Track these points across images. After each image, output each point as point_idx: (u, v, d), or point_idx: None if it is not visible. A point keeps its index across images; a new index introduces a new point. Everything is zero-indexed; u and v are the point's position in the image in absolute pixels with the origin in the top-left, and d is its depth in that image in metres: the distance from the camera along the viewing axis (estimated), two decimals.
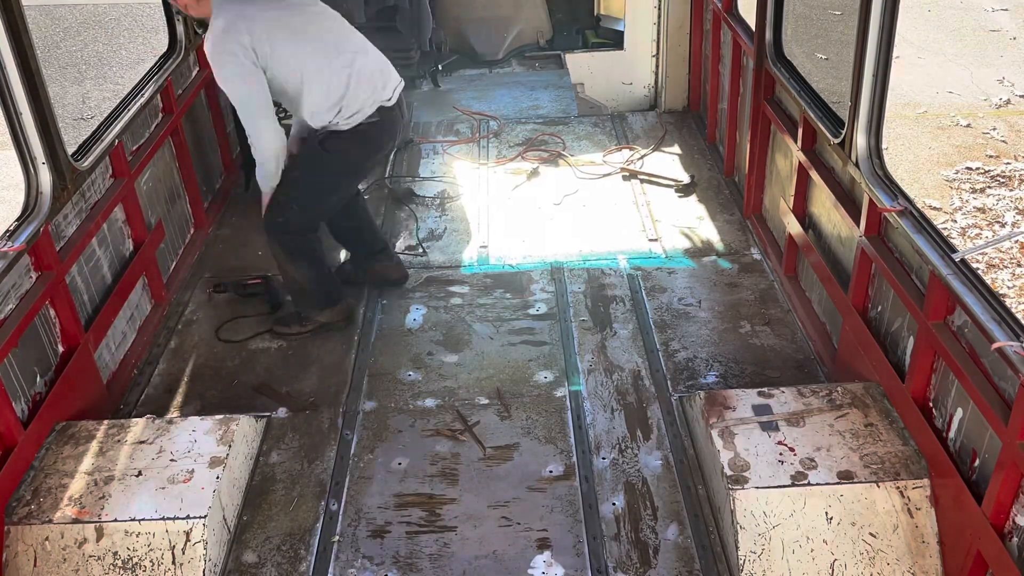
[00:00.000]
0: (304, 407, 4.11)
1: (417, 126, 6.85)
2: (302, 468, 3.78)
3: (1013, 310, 2.95)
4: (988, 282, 3.02)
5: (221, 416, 3.71)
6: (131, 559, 3.18)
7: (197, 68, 5.52)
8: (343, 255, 5.09)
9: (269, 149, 4.10)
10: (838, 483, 3.24)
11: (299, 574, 3.34)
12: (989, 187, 7.05)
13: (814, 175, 4.21)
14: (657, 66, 7.11)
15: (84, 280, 4.03)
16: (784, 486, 3.24)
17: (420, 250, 5.24)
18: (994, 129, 7.99)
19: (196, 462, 3.43)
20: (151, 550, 3.18)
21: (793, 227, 4.57)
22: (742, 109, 5.55)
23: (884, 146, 3.64)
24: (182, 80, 5.27)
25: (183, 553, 3.18)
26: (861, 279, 3.82)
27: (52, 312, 3.71)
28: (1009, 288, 5.84)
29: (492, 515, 3.54)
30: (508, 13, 8.00)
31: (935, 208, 6.74)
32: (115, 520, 3.19)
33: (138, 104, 4.50)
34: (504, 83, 7.64)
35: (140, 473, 3.38)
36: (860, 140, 3.63)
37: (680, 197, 5.71)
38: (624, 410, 4.05)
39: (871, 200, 3.60)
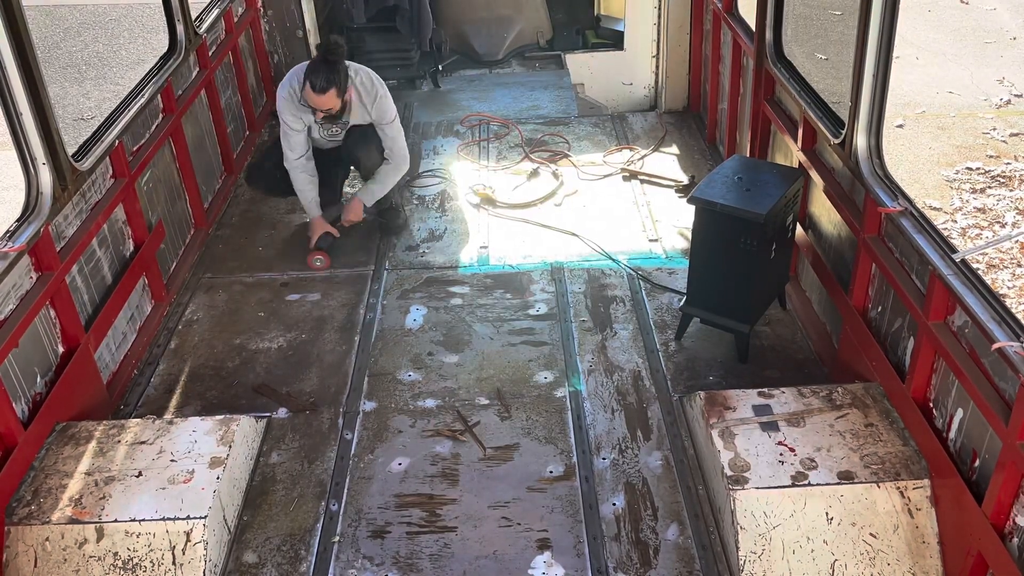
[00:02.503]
0: (304, 407, 4.11)
1: (418, 126, 6.85)
2: (302, 468, 3.78)
3: (1013, 310, 2.95)
4: (988, 282, 3.02)
5: (221, 416, 3.71)
6: (131, 559, 3.18)
7: (197, 69, 5.52)
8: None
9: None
10: (838, 483, 3.24)
11: (299, 574, 3.34)
12: (989, 187, 7.05)
13: (814, 175, 4.21)
14: (657, 66, 7.11)
15: (84, 280, 4.03)
16: (784, 486, 3.25)
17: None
18: (994, 129, 7.99)
19: (196, 462, 3.43)
20: (151, 550, 3.18)
21: None
22: (742, 109, 5.55)
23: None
24: (182, 81, 5.27)
25: (183, 553, 3.18)
26: (861, 279, 3.82)
27: (52, 312, 3.71)
28: (1009, 288, 5.84)
29: (492, 515, 3.54)
30: (508, 13, 8.00)
31: (935, 208, 6.74)
32: (115, 520, 3.20)
33: (138, 104, 4.50)
34: (504, 83, 7.64)
35: (140, 473, 3.38)
36: (860, 140, 3.63)
37: (680, 197, 5.71)
38: (624, 410, 4.05)
39: (871, 200, 3.60)
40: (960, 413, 3.12)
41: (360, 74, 4.92)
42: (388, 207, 5.38)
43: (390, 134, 5.08)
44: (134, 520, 3.20)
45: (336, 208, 5.35)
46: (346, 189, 5.70)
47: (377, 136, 5.10)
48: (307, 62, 4.87)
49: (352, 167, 5.45)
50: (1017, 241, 6.26)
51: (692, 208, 4.13)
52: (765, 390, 3.69)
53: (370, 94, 4.95)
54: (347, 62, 4.84)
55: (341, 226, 5.25)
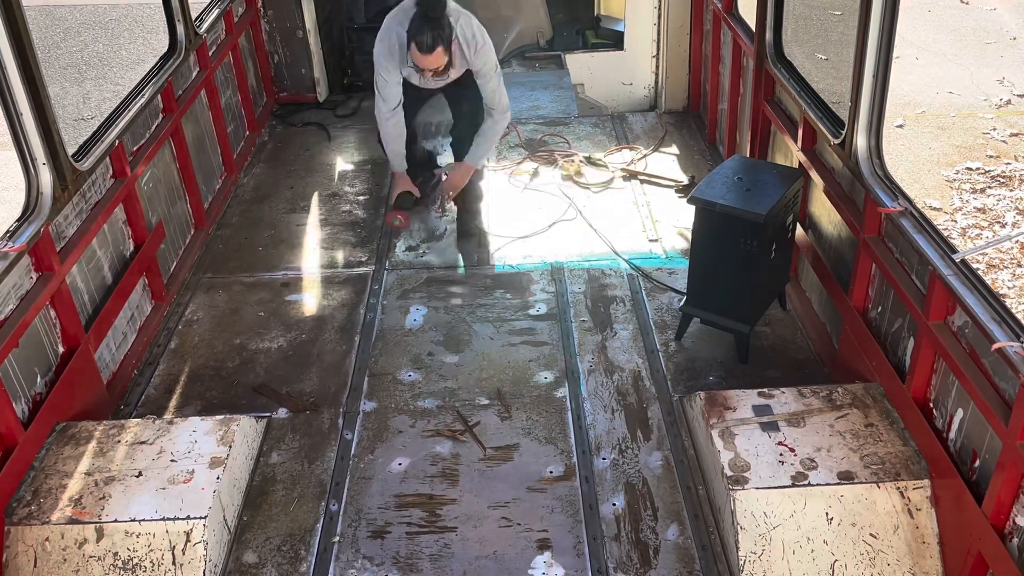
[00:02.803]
0: (304, 407, 4.11)
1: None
2: (302, 469, 3.79)
3: (1013, 310, 2.95)
4: (988, 282, 3.02)
5: (221, 416, 3.71)
6: (131, 559, 3.18)
7: (197, 68, 5.52)
8: None
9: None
10: (838, 483, 3.24)
11: (299, 575, 3.34)
12: (989, 187, 7.05)
13: (814, 175, 4.21)
14: (657, 66, 7.11)
15: (84, 280, 4.03)
16: (784, 487, 3.25)
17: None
18: (994, 129, 7.99)
19: (196, 462, 3.43)
20: (151, 550, 3.18)
21: None
22: (742, 109, 5.55)
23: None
24: (182, 80, 5.27)
25: (183, 554, 3.18)
26: (861, 279, 3.82)
27: (52, 312, 3.71)
28: (1009, 288, 5.84)
29: (492, 515, 3.54)
30: (508, 13, 7.99)
31: (935, 208, 6.74)
32: (115, 520, 3.20)
33: (138, 104, 4.50)
34: (504, 83, 7.63)
35: (140, 473, 3.38)
36: (860, 140, 3.63)
37: (680, 197, 5.72)
38: (624, 410, 4.05)
39: (871, 200, 3.60)
40: (960, 413, 3.12)
41: (460, 21, 4.65)
42: (470, 208, 5.28)
43: (491, 85, 4.85)
44: (134, 520, 3.20)
45: (430, 175, 5.17)
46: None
47: (478, 97, 4.92)
48: (402, 8, 4.64)
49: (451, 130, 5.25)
50: (1017, 241, 6.26)
51: (692, 208, 4.13)
52: (765, 390, 3.69)
53: (471, 44, 4.71)
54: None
55: (442, 198, 5.11)
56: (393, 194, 5.03)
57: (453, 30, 4.58)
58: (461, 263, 5.17)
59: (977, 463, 3.01)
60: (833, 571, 3.21)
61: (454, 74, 4.85)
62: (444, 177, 5.12)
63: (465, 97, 5.01)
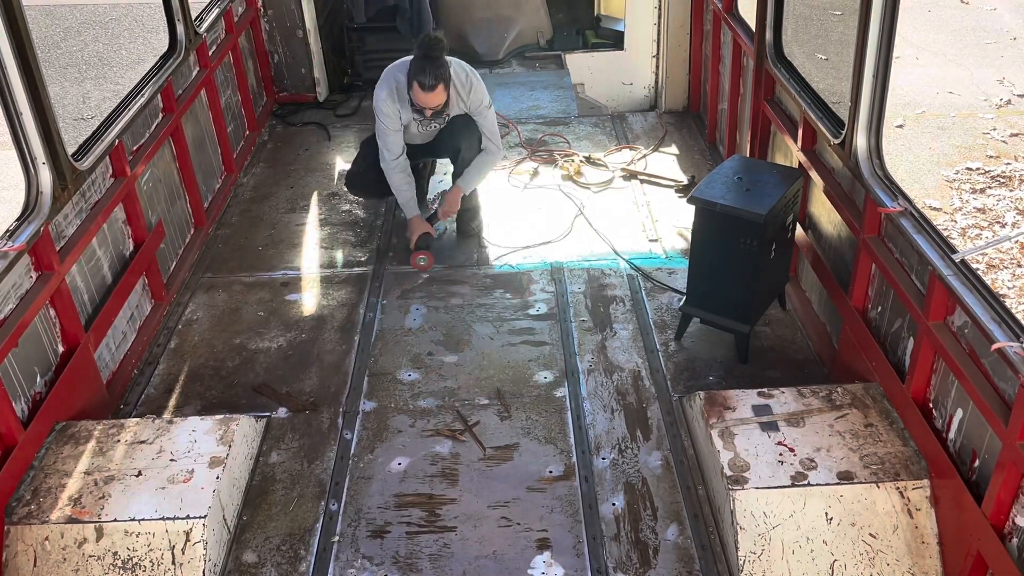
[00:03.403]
0: (304, 407, 4.11)
1: None
2: (302, 468, 3.79)
3: (1013, 310, 2.95)
4: (988, 282, 3.02)
5: (221, 416, 3.71)
6: (131, 559, 3.18)
7: (197, 68, 5.52)
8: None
9: None
10: (838, 483, 3.24)
11: (299, 574, 3.34)
12: (989, 187, 7.05)
13: (814, 175, 4.21)
14: (657, 66, 7.11)
15: (84, 280, 4.03)
16: (784, 486, 3.25)
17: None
18: (994, 129, 7.99)
19: (196, 462, 3.43)
20: (151, 550, 3.18)
21: None
22: (742, 109, 5.55)
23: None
24: (182, 80, 5.27)
25: (183, 553, 3.18)
26: (861, 279, 3.82)
27: (52, 312, 3.71)
28: (1009, 288, 5.84)
29: (492, 515, 3.54)
30: (508, 13, 7.99)
31: (935, 208, 6.74)
32: (115, 520, 3.20)
33: (138, 104, 4.49)
34: (504, 83, 7.64)
35: (140, 473, 3.38)
36: (860, 140, 3.63)
37: (680, 197, 5.72)
38: (624, 410, 4.05)
39: (871, 200, 3.60)
40: (960, 413, 3.12)
41: (453, 65, 4.83)
42: (468, 207, 5.37)
43: (488, 121, 5.07)
44: (133, 520, 3.20)
45: (425, 206, 5.36)
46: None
47: (475, 125, 5.08)
48: (401, 61, 4.85)
49: (448, 159, 5.40)
50: (1017, 241, 6.27)
51: (692, 208, 4.13)
52: (765, 390, 3.69)
53: (465, 85, 4.93)
54: None
55: (438, 220, 5.28)
56: (412, 238, 5.13)
57: (451, 68, 4.75)
58: (460, 263, 5.17)
59: (977, 463, 3.02)
60: (832, 571, 3.21)
61: (451, 112, 5.00)
62: (437, 205, 5.32)
63: (457, 133, 5.10)
